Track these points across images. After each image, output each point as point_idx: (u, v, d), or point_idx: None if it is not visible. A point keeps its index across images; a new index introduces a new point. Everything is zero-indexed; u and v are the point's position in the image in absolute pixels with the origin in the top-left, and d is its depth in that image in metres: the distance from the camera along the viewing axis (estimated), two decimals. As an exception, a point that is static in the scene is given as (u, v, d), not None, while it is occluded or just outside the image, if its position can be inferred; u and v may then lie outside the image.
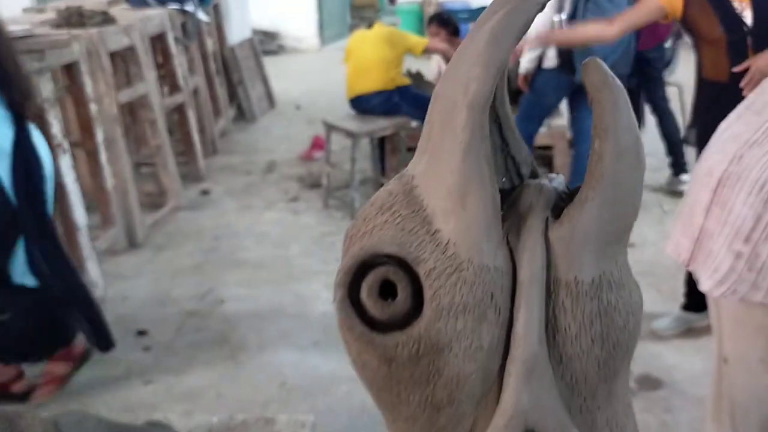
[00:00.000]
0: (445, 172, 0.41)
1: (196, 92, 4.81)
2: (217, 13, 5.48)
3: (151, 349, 2.79)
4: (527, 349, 0.42)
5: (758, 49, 2.26)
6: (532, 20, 0.37)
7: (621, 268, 0.43)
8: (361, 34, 4.07)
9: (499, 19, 0.37)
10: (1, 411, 0.73)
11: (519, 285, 0.42)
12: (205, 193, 4.42)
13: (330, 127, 3.98)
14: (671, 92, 4.26)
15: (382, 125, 3.86)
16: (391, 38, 3.88)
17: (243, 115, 5.88)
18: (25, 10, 4.95)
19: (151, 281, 3.32)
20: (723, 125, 1.44)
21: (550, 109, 3.71)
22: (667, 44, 4.53)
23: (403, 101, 3.89)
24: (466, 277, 0.41)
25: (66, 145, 2.92)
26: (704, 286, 1.37)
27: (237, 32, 5.95)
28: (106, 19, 3.58)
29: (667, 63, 4.77)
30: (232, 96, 5.78)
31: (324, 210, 4.05)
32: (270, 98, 6.29)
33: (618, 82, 0.40)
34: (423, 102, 3.99)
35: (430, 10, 7.76)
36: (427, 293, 0.42)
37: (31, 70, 2.71)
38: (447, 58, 4.19)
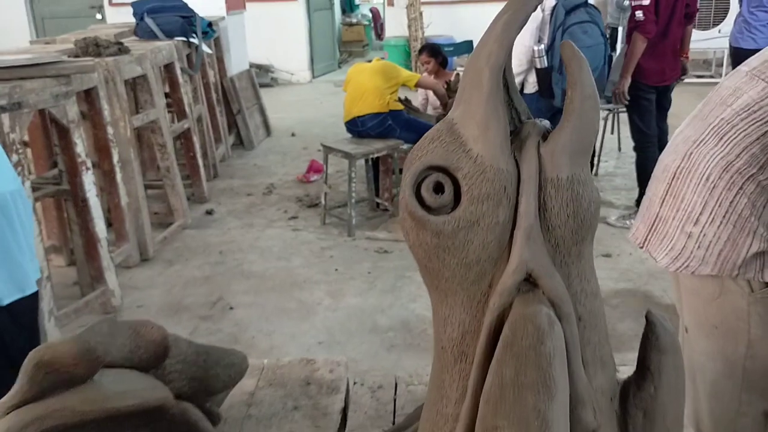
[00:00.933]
0: (474, 112, 0.67)
1: (199, 119, 5.06)
2: (217, 46, 5.77)
3: (168, 351, 2.99)
4: (527, 221, 0.67)
5: None
6: (529, 16, 0.63)
7: (585, 173, 0.69)
8: (360, 66, 4.37)
9: (509, 15, 0.63)
10: (126, 321, 0.96)
11: (522, 182, 0.67)
12: (209, 213, 4.65)
13: (328, 150, 4.24)
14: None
15: (377, 147, 4.13)
16: (386, 70, 4.18)
17: (241, 143, 6.14)
18: (33, 42, 5.22)
19: (164, 291, 3.53)
20: (676, 131, 1.72)
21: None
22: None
23: (396, 124, 4.17)
24: (488, 177, 0.66)
25: (89, 163, 3.16)
26: (662, 262, 1.63)
27: (236, 64, 6.24)
28: (121, 49, 3.85)
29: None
30: (232, 124, 6.04)
31: (322, 227, 4.30)
32: (267, 126, 6.57)
33: (582, 54, 0.66)
34: (414, 126, 4.29)
35: (417, 45, 8.12)
36: (464, 189, 0.67)
37: (59, 93, 2.96)
38: (435, 92, 4.50)
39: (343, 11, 11.38)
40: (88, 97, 3.44)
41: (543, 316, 0.63)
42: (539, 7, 3.37)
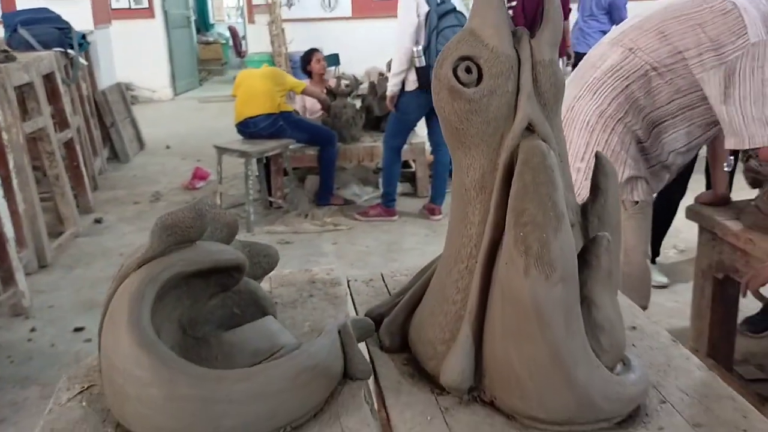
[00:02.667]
0: (489, 19, 1.02)
1: (78, 131, 5.03)
2: (87, 60, 5.73)
3: (92, 340, 3.06)
4: (527, 88, 1.03)
5: None
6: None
7: (556, 58, 1.06)
8: (249, 72, 4.62)
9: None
10: (192, 204, 1.18)
11: (521, 63, 1.03)
12: (98, 221, 4.64)
13: (222, 150, 4.44)
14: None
15: (271, 145, 4.39)
16: (275, 75, 4.48)
17: (116, 156, 6.11)
18: None
19: (72, 292, 3.56)
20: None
21: (414, 125, 4.46)
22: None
23: (287, 125, 4.47)
24: (501, 60, 1.02)
25: (-6, 163, 3.16)
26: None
27: (105, 78, 6.21)
28: (8, 56, 3.83)
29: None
30: (105, 137, 6.00)
31: (220, 226, 4.46)
32: (140, 140, 6.56)
33: (550, -18, 1.04)
34: (303, 126, 4.61)
35: (281, 60, 8.42)
36: (485, 69, 1.02)
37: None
38: (318, 98, 4.86)
39: (198, 30, 11.42)
40: (-18, 101, 3.42)
41: (543, 144, 1.00)
42: (415, 13, 3.85)
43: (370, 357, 1.20)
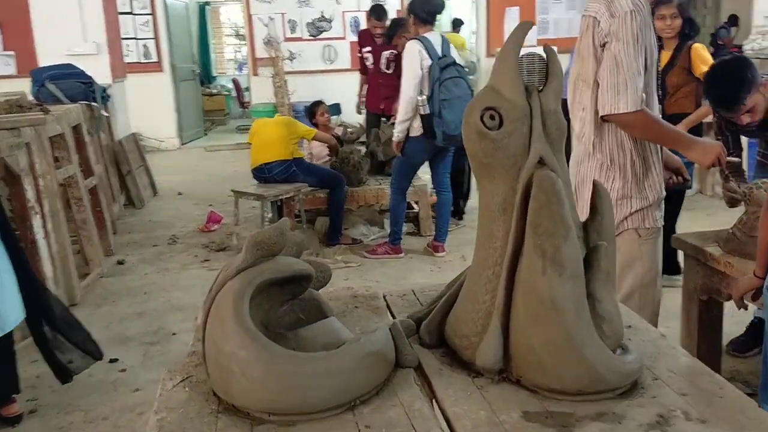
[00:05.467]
0: (506, 76, 1.32)
1: (100, 178, 5.32)
2: (108, 110, 6.07)
3: (127, 370, 3.29)
4: (537, 130, 1.32)
5: None
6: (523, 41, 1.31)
7: (560, 108, 1.36)
8: (264, 120, 4.95)
9: (512, 36, 1.30)
10: (276, 225, 1.46)
11: (532, 110, 1.33)
12: (120, 263, 4.89)
13: (239, 194, 4.73)
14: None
15: (285, 189, 4.69)
16: (288, 123, 4.82)
17: (131, 202, 6.39)
18: None
19: (102, 328, 3.78)
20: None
21: (417, 168, 4.77)
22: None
23: (299, 170, 4.78)
24: (517, 109, 1.32)
25: (38, 207, 3.43)
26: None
27: (122, 128, 6.54)
28: (43, 109, 4.14)
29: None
30: (122, 184, 6.29)
31: (237, 265, 4.72)
32: (153, 187, 6.86)
33: (552, 48, 1.34)
34: (314, 171, 4.92)
35: (284, 110, 8.79)
36: (504, 116, 1.32)
37: (13, 144, 3.26)
38: (328, 143, 5.19)
39: (202, 83, 11.86)
40: (28, 150, 3.71)
41: (552, 173, 1.28)
42: (419, 66, 4.19)
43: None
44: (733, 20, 9.35)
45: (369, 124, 5.96)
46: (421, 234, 5.26)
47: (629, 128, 2.19)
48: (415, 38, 4.35)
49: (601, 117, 2.19)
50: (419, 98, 4.29)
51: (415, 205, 5.42)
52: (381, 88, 5.91)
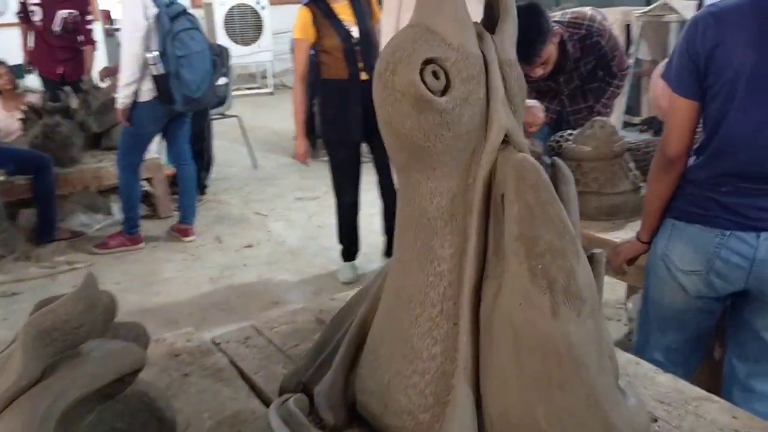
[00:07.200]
0: (451, 15, 0.84)
1: None
2: None
3: None
4: (499, 93, 0.87)
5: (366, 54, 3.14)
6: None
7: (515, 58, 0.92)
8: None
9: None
10: (78, 291, 0.80)
11: (488, 63, 0.87)
12: None
13: None
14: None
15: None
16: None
17: None
18: None
19: None
20: None
21: (151, 139, 3.97)
22: (221, 82, 5.17)
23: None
24: (471, 61, 0.85)
25: None
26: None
27: None
28: None
29: (222, 100, 5.46)
30: None
31: None
32: None
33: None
34: (6, 153, 3.86)
35: None
36: (453, 73, 0.85)
37: None
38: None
39: None
40: None
41: (529, 157, 0.85)
42: (142, 14, 3.42)
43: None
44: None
45: (49, 92, 4.79)
46: (159, 216, 4.48)
47: None
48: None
49: None
50: (148, 55, 3.51)
51: (146, 183, 4.59)
52: (56, 51, 4.85)
